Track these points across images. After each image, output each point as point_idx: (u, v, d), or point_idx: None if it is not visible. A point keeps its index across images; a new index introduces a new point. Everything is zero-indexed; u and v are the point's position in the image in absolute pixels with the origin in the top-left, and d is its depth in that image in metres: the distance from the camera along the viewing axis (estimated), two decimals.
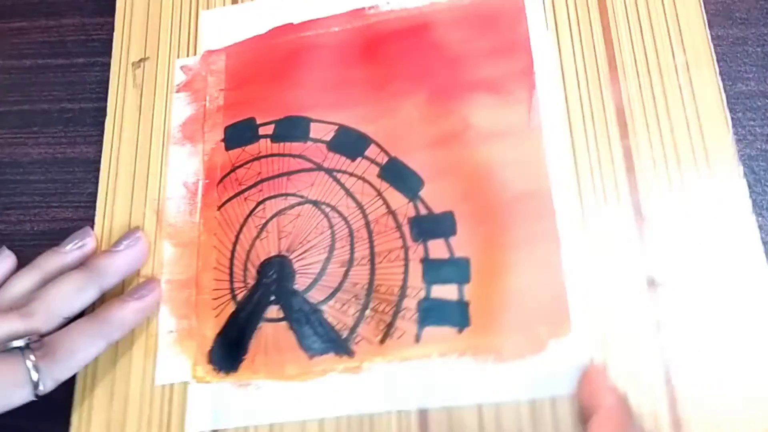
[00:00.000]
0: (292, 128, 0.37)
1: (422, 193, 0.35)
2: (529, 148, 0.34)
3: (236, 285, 0.35)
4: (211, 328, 0.34)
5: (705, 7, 0.35)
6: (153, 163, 0.38)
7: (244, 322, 0.34)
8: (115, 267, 0.35)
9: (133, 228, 0.37)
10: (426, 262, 0.34)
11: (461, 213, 0.34)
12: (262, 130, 0.38)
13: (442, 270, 0.33)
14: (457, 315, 0.32)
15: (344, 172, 0.36)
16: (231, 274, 0.35)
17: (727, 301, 0.30)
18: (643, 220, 0.32)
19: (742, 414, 0.29)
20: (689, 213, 0.32)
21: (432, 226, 0.34)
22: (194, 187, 0.37)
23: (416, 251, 0.34)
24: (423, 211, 0.35)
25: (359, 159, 0.36)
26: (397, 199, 0.35)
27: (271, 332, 0.34)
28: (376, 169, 0.36)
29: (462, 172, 0.35)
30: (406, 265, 0.34)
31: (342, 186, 0.36)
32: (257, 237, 0.36)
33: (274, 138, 0.37)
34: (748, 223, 0.31)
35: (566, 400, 0.30)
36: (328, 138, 0.37)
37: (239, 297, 0.35)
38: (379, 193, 0.35)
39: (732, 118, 0.33)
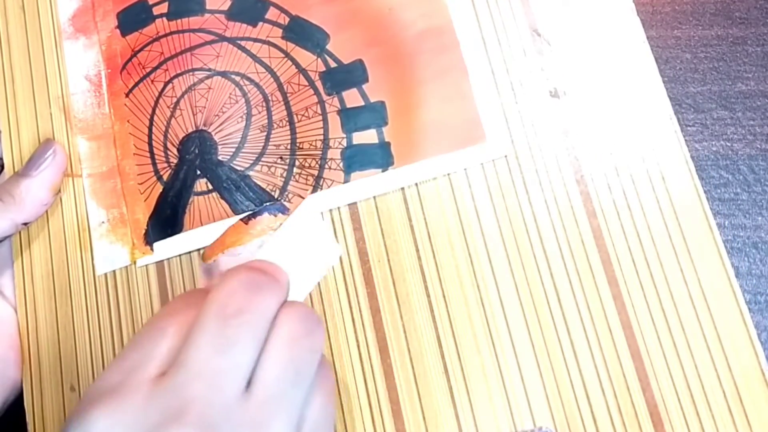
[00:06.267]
0: (186, 2, 0.37)
1: (329, 46, 0.35)
2: None
3: (160, 166, 0.35)
4: (142, 212, 0.35)
5: (704, 7, 0.35)
6: (49, 61, 0.37)
7: (174, 199, 0.34)
8: (33, 196, 0.33)
9: (46, 141, 0.36)
10: (343, 112, 0.34)
11: (370, 59, 0.35)
12: (156, 10, 0.37)
13: (359, 117, 0.34)
14: (379, 156, 0.34)
15: (248, 38, 0.36)
16: (152, 156, 0.35)
17: (623, 106, 0.32)
18: (540, 37, 0.33)
19: (644, 197, 0.31)
20: (581, 28, 0.33)
21: (343, 76, 0.35)
22: (97, 79, 0.36)
23: (332, 104, 0.35)
24: (332, 64, 0.35)
25: (261, 23, 0.36)
26: (305, 57, 0.35)
27: (203, 205, 0.34)
28: (279, 31, 0.36)
29: (364, 19, 0.35)
30: (325, 119, 0.34)
31: (248, 53, 0.36)
32: (171, 116, 0.35)
33: (170, 15, 0.37)
34: (633, 24, 0.33)
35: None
36: (225, 7, 0.36)
37: (165, 177, 0.35)
38: (287, 54, 0.35)
39: (732, 118, 0.34)
